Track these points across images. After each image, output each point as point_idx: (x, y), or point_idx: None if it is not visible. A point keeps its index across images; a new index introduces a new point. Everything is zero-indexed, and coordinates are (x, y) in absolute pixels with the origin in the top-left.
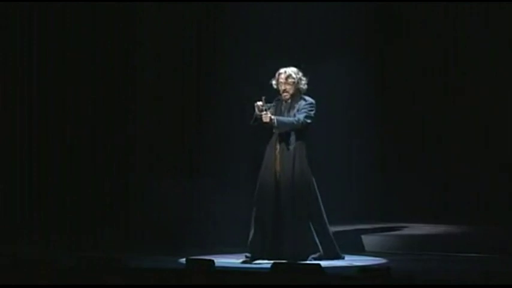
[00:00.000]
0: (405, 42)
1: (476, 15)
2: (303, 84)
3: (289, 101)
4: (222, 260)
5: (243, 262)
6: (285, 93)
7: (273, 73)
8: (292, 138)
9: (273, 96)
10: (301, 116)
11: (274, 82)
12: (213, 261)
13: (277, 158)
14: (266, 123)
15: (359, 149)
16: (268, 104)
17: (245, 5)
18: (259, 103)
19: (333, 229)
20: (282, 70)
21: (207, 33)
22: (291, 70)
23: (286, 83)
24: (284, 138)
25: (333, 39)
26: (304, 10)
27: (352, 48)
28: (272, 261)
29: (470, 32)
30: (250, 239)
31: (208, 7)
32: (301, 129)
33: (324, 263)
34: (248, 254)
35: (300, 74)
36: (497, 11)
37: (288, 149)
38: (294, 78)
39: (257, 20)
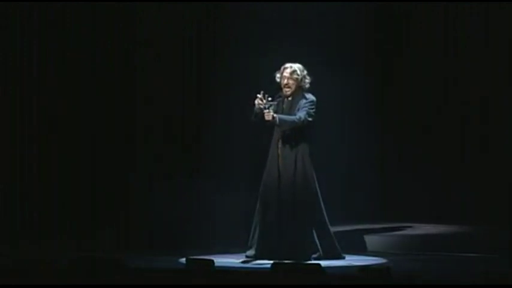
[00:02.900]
0: (405, 42)
1: (476, 15)
2: (306, 82)
3: (290, 98)
4: (222, 260)
5: (243, 262)
6: (286, 88)
7: (272, 73)
8: (294, 136)
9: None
10: (302, 114)
11: (278, 75)
12: (213, 261)
13: (280, 156)
14: (268, 121)
15: (359, 149)
16: (270, 102)
17: (245, 5)
18: (260, 96)
19: (333, 229)
20: (287, 65)
21: (207, 33)
22: (297, 66)
23: (290, 77)
24: (286, 136)
25: (333, 39)
26: (304, 10)
27: (352, 48)
28: (272, 261)
29: (470, 32)
30: (251, 237)
31: (208, 7)
32: (303, 127)
33: (324, 263)
34: (248, 254)
35: (305, 72)
36: (497, 11)
37: (290, 147)
38: (298, 74)
39: (257, 20)
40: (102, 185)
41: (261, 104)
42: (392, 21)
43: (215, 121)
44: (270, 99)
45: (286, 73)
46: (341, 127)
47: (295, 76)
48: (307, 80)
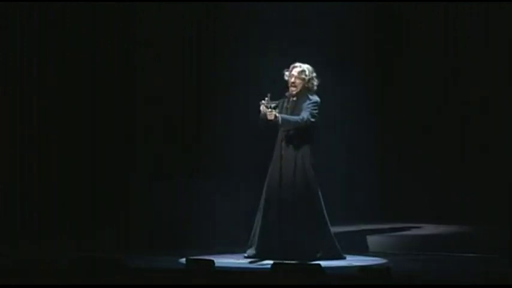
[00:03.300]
0: (405, 42)
1: (476, 15)
2: (314, 84)
3: (295, 98)
4: (222, 260)
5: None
6: (292, 87)
7: (272, 74)
8: (297, 136)
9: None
10: (305, 115)
11: (286, 73)
12: (213, 261)
13: (282, 156)
14: (271, 120)
15: (359, 149)
16: (274, 102)
17: (245, 5)
18: (265, 102)
19: (333, 229)
20: (297, 64)
21: (207, 33)
22: (306, 66)
23: (297, 77)
24: (289, 136)
25: (333, 39)
26: (304, 10)
27: (352, 48)
28: (272, 261)
29: (470, 32)
30: (252, 236)
31: (208, 7)
32: (305, 128)
33: (324, 263)
34: (248, 253)
35: (314, 73)
36: (497, 11)
37: (292, 147)
38: (306, 75)
39: (257, 20)
40: (102, 185)
41: (263, 104)
42: (392, 21)
43: (215, 121)
44: (274, 103)
45: (295, 72)
46: (341, 127)
47: (302, 76)
48: (315, 82)
